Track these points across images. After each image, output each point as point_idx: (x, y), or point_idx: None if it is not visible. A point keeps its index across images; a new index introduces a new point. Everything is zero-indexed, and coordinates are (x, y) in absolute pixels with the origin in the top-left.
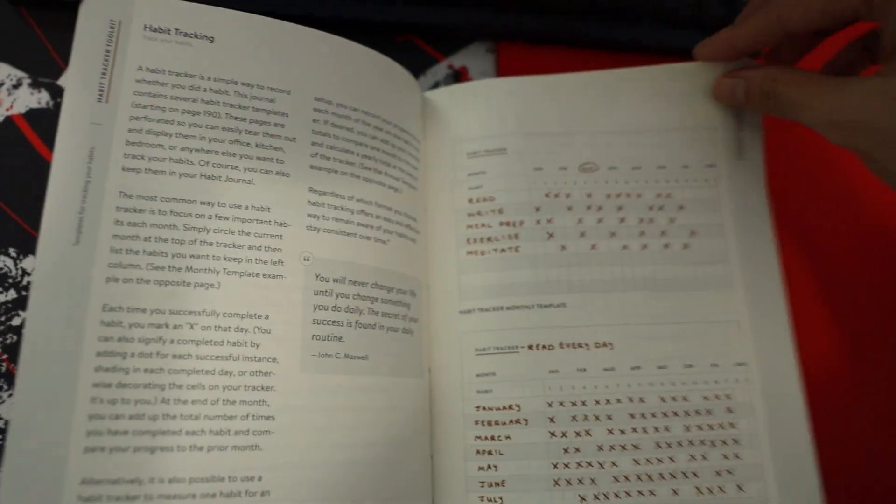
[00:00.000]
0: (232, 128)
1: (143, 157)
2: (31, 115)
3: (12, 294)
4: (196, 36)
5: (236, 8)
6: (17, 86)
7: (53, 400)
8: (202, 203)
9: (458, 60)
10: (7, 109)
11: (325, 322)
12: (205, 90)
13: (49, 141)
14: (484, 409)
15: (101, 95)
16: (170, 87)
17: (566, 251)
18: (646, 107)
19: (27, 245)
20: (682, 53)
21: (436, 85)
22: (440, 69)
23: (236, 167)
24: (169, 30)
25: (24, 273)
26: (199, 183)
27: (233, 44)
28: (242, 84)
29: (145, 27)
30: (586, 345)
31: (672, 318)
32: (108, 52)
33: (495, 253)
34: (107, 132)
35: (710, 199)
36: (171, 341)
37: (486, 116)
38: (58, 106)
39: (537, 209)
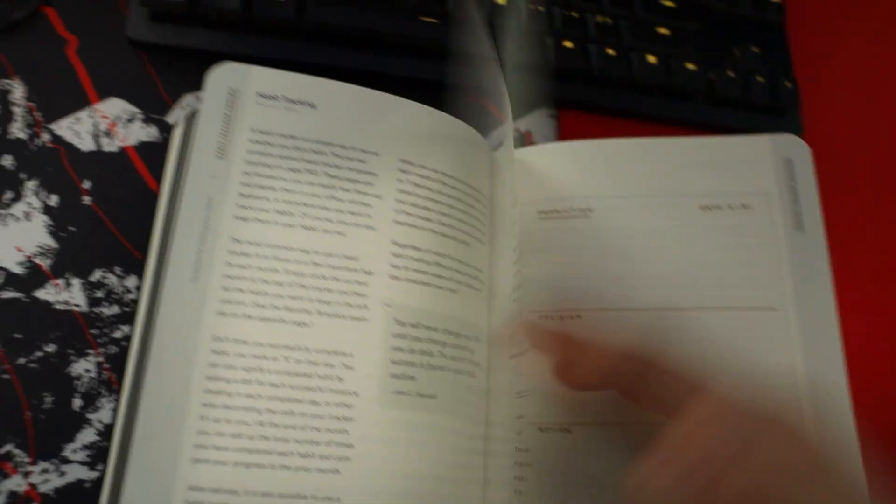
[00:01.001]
0: (328, 185)
1: (251, 208)
2: (142, 147)
3: (115, 309)
4: (301, 103)
5: (329, 68)
6: (130, 120)
7: (170, 415)
8: (301, 251)
9: (523, 124)
10: (122, 141)
11: (401, 362)
12: (306, 151)
13: (155, 172)
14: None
15: (219, 153)
16: (277, 147)
17: None
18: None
19: (131, 265)
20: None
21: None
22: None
23: (330, 220)
24: (278, 97)
25: (126, 290)
26: (299, 233)
27: (332, 110)
28: (338, 146)
29: (258, 94)
30: None
31: None
32: (227, 115)
33: None
34: (222, 185)
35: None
36: (269, 371)
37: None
38: (165, 140)
39: None
